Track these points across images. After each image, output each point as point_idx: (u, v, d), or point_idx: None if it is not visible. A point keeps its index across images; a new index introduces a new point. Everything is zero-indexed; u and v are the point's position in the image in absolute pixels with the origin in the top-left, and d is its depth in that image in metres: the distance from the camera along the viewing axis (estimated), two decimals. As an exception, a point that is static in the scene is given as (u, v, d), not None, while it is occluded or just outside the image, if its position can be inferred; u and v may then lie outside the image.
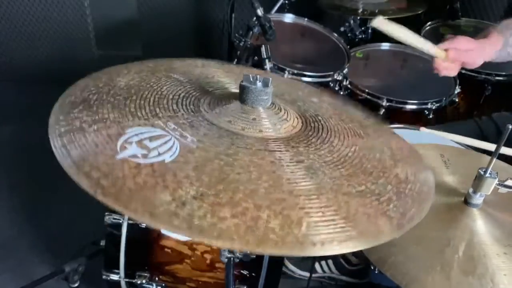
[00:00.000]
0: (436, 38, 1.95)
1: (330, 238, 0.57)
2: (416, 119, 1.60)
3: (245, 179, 0.61)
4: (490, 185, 0.85)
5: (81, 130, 0.65)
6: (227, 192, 0.58)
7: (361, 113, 0.94)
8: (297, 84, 1.02)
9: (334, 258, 1.62)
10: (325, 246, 0.56)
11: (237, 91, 0.79)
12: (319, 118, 0.83)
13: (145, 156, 0.61)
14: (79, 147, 0.62)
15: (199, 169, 0.60)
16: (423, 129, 1.30)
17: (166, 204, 0.55)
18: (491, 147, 1.14)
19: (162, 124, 0.68)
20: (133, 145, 0.62)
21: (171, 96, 0.77)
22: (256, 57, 1.55)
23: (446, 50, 1.22)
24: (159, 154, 0.62)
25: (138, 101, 0.74)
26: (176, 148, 0.63)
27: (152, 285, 1.21)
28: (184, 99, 0.78)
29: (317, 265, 1.62)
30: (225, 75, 0.92)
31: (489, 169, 0.84)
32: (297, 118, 0.80)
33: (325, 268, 1.63)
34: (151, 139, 0.64)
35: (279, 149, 0.69)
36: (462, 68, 1.71)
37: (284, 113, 0.78)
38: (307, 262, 1.61)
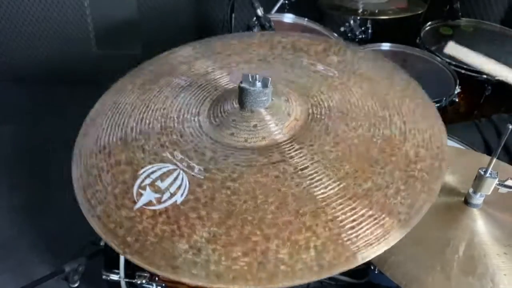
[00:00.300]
0: (436, 38, 1.96)
1: (337, 255, 0.57)
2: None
3: (252, 207, 0.62)
4: (490, 185, 0.85)
5: (100, 179, 0.69)
6: (236, 227, 0.60)
7: (372, 64, 0.89)
8: (303, 46, 0.96)
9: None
10: (333, 268, 0.57)
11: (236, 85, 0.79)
12: (323, 96, 0.81)
13: (159, 200, 0.64)
14: (102, 203, 0.65)
15: (209, 205, 0.63)
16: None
17: (184, 253, 0.58)
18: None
19: (169, 156, 0.70)
20: (147, 190, 0.66)
21: (174, 115, 0.79)
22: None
23: None
24: (171, 195, 0.64)
25: (145, 130, 0.76)
26: (185, 185, 0.66)
27: (152, 285, 1.21)
28: (186, 113, 0.79)
29: (317, 265, 1.61)
30: (225, 58, 0.93)
31: (489, 169, 0.84)
32: (299, 107, 0.78)
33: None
34: (161, 178, 0.67)
35: (283, 158, 0.69)
36: (462, 68, 1.73)
37: (286, 106, 0.77)
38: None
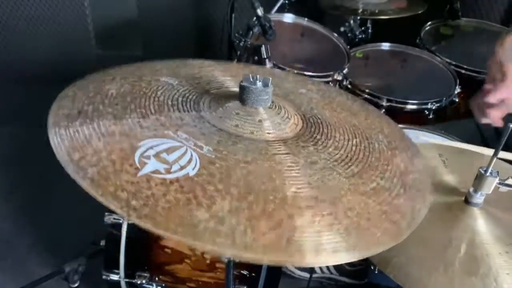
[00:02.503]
0: (436, 38, 1.96)
1: (361, 242, 0.58)
2: (416, 119, 1.60)
3: (270, 187, 0.61)
4: (491, 184, 0.85)
5: (90, 145, 0.62)
6: (259, 203, 0.58)
7: (345, 97, 0.94)
8: (281, 74, 1.01)
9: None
10: (360, 250, 0.57)
11: (230, 87, 0.78)
12: (315, 111, 0.83)
13: (168, 170, 0.59)
14: (95, 166, 0.59)
15: (225, 181, 0.60)
16: None
17: (205, 221, 0.54)
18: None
19: (172, 134, 0.66)
20: (151, 159, 0.60)
21: (170, 102, 0.76)
22: (256, 57, 1.55)
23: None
24: (182, 168, 0.60)
25: (139, 110, 0.71)
26: (196, 160, 0.62)
27: (152, 285, 1.21)
28: (184, 104, 0.76)
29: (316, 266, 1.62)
30: (210, 71, 0.91)
31: (490, 168, 0.84)
32: (296, 115, 0.80)
33: (324, 269, 1.63)
34: (167, 151, 0.62)
35: (293, 152, 0.70)
36: (462, 68, 1.73)
37: (284, 111, 0.78)
38: (307, 262, 1.60)
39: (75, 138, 0.63)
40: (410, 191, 0.69)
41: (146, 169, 0.59)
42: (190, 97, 0.79)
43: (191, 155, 0.62)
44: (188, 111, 0.74)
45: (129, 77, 0.82)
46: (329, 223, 0.59)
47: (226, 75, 0.91)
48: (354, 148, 0.74)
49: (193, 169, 0.60)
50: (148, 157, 0.60)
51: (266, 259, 0.54)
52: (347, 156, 0.72)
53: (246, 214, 0.56)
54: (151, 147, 0.62)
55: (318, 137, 0.75)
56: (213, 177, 0.60)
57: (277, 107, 0.77)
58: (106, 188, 0.56)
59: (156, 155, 0.61)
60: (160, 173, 0.58)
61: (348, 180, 0.66)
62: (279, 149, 0.69)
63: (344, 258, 0.57)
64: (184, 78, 0.86)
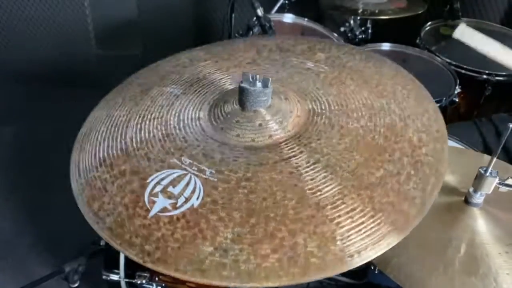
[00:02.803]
0: (436, 38, 1.96)
1: (365, 244, 0.58)
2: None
3: (271, 203, 0.62)
4: (490, 184, 0.85)
5: (105, 191, 0.67)
6: (260, 225, 0.59)
7: (358, 59, 0.91)
8: (289, 45, 0.98)
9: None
10: (362, 255, 0.57)
11: (232, 85, 0.79)
12: (320, 92, 0.82)
13: (174, 206, 0.62)
14: (112, 214, 0.64)
15: (227, 205, 0.62)
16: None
17: (210, 255, 0.57)
18: None
19: (177, 162, 0.69)
20: (159, 196, 0.64)
21: (175, 120, 0.78)
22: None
23: None
24: (187, 200, 0.63)
25: (146, 139, 0.74)
26: (200, 188, 0.64)
27: (152, 285, 1.21)
28: (187, 120, 0.77)
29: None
30: (214, 67, 0.92)
31: (490, 168, 0.84)
32: (299, 103, 0.78)
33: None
34: (173, 184, 0.65)
35: (294, 153, 0.69)
36: (462, 68, 1.73)
37: (286, 103, 0.77)
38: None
39: (93, 185, 0.68)
40: (421, 170, 0.67)
41: (155, 209, 0.62)
42: (194, 108, 0.80)
43: (195, 183, 0.65)
44: (190, 127, 0.76)
45: (137, 96, 0.85)
46: (331, 230, 0.58)
47: (230, 67, 0.91)
48: (360, 131, 0.73)
49: (197, 199, 0.63)
50: (156, 195, 0.64)
51: (269, 285, 0.55)
52: (351, 143, 0.70)
53: (249, 239, 0.58)
54: (158, 182, 0.66)
55: (322, 125, 0.74)
56: (215, 205, 0.62)
57: (278, 104, 0.77)
58: (122, 236, 0.61)
59: (163, 191, 0.65)
60: (168, 210, 0.62)
61: (351, 174, 0.65)
62: (280, 154, 0.69)
63: (347, 267, 0.56)
64: (187, 83, 0.87)
